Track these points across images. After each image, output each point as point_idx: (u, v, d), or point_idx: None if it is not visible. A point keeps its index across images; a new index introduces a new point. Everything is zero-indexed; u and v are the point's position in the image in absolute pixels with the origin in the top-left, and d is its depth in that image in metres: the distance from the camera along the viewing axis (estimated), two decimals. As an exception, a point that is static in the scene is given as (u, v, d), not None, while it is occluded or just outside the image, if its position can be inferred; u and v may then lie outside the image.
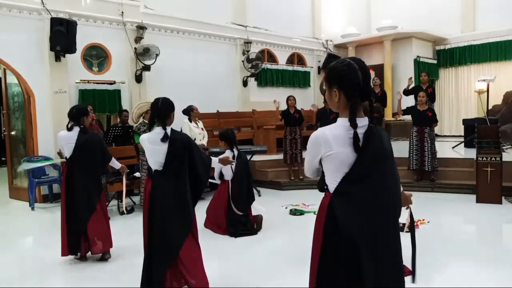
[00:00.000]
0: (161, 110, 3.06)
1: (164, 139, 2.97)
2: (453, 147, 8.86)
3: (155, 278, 2.99)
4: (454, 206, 6.04)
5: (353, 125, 1.72)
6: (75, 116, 4.13)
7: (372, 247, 1.73)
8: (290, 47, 12.13)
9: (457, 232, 4.75)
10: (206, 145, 7.08)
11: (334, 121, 1.82)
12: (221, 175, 5.09)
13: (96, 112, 7.90)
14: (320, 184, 1.92)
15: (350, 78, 1.75)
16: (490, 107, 10.33)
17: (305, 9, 12.82)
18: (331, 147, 1.73)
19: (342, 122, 1.77)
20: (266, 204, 6.39)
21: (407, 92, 8.49)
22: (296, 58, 12.41)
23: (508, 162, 6.43)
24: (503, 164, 6.01)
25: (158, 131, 3.01)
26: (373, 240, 1.74)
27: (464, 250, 4.16)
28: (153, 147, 3.00)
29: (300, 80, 12.20)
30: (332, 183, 1.79)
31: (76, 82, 7.77)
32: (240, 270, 3.84)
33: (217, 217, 5.03)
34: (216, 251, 4.47)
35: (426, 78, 8.58)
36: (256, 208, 5.29)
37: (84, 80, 7.88)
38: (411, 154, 6.94)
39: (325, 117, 6.40)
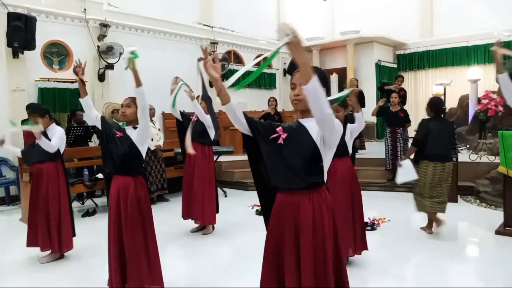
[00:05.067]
0: None
1: None
2: (412, 148, 9.19)
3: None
4: (413, 205, 6.26)
5: None
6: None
7: None
8: (256, 48, 12.21)
9: (416, 229, 4.94)
10: (162, 146, 6.97)
11: None
12: None
13: (57, 111, 7.67)
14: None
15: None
16: (446, 110, 10.80)
17: (270, 12, 12.96)
18: None
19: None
20: (233, 204, 6.41)
21: (381, 90, 8.69)
22: (262, 60, 12.48)
23: (463, 162, 6.76)
24: (458, 164, 6.31)
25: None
26: None
27: (422, 246, 4.34)
28: None
29: (266, 81, 12.31)
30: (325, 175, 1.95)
31: (36, 80, 7.50)
32: (206, 270, 3.83)
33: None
34: (182, 251, 4.46)
35: (401, 82, 8.87)
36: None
37: (44, 78, 7.61)
38: (387, 155, 7.13)
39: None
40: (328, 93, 1.92)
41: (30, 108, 4.33)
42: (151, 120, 6.93)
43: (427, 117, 4.74)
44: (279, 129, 1.94)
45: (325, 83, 1.91)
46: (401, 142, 6.96)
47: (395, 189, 7.12)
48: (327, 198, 1.93)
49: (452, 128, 4.97)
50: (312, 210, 1.88)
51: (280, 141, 1.91)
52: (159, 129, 7.14)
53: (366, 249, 3.76)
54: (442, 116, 4.72)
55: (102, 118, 3.15)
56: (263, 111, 8.48)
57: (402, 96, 8.10)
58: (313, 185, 1.89)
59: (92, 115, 3.14)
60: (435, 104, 4.65)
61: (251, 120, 1.98)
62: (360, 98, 8.84)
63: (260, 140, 1.96)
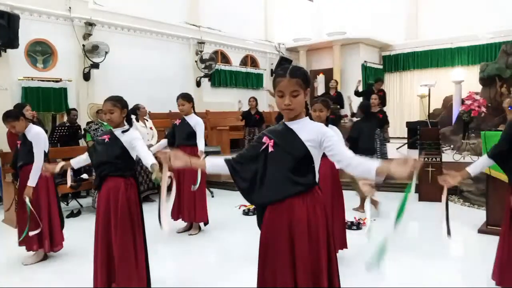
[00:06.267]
0: None
1: None
2: (397, 148, 9.32)
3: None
4: (398, 205, 6.33)
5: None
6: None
7: None
8: (243, 49, 12.22)
9: (401, 229, 5.00)
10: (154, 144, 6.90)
11: None
12: None
13: (41, 110, 7.57)
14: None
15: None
16: (431, 111, 10.96)
17: (258, 12, 12.98)
18: None
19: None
20: (220, 205, 6.39)
21: (357, 94, 8.81)
22: (249, 60, 12.51)
23: (447, 162, 6.86)
24: (442, 164, 6.40)
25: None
26: None
27: (406, 245, 4.38)
28: None
29: (253, 81, 12.32)
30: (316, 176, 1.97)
31: (19, 79, 7.38)
32: (193, 270, 3.82)
33: None
34: (169, 252, 4.44)
35: (380, 86, 8.92)
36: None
37: (28, 77, 7.49)
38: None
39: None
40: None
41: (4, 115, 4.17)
42: (144, 119, 6.90)
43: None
44: (264, 139, 1.94)
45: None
46: (378, 143, 6.98)
47: (380, 189, 7.17)
48: (320, 198, 1.94)
49: (377, 126, 6.10)
50: (306, 211, 1.89)
51: (270, 149, 1.91)
52: (151, 128, 7.07)
53: (346, 247, 3.84)
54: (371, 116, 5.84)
55: (88, 150, 3.27)
56: (243, 111, 8.42)
57: (381, 97, 8.19)
58: (306, 187, 1.90)
59: (84, 159, 3.29)
60: (365, 107, 5.84)
61: (231, 164, 2.08)
62: (339, 100, 8.87)
63: (249, 163, 2.00)
